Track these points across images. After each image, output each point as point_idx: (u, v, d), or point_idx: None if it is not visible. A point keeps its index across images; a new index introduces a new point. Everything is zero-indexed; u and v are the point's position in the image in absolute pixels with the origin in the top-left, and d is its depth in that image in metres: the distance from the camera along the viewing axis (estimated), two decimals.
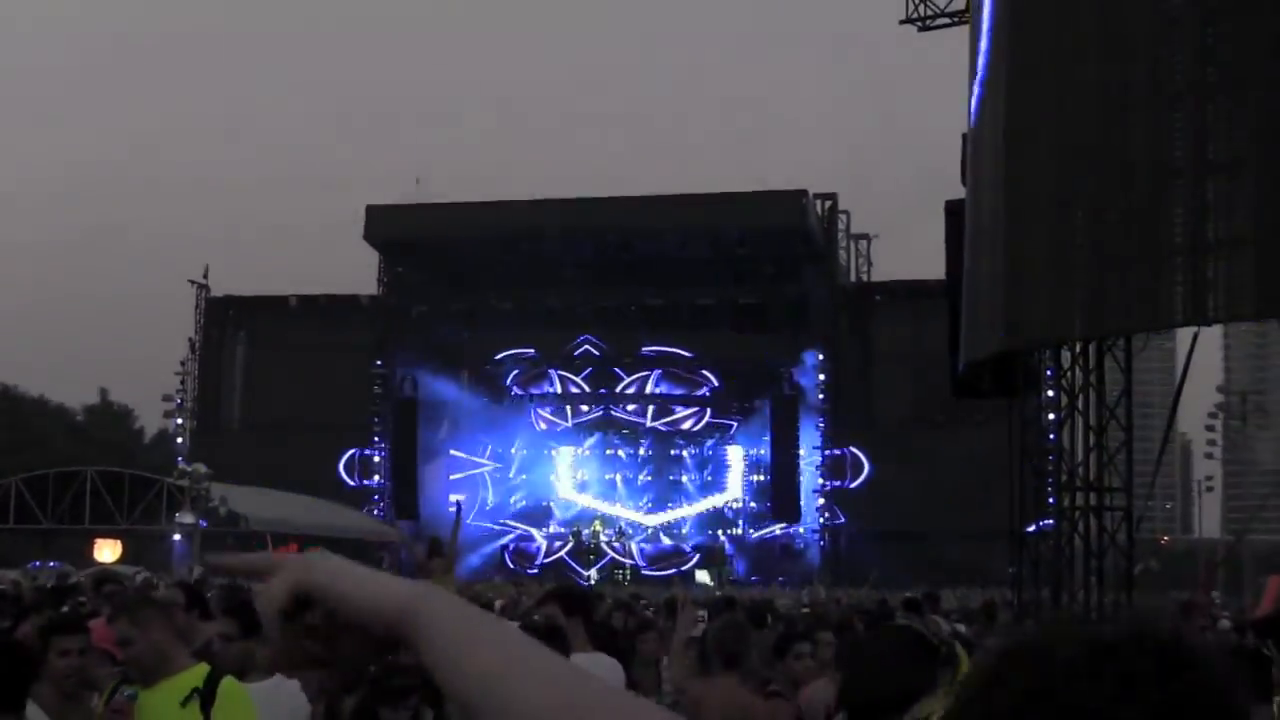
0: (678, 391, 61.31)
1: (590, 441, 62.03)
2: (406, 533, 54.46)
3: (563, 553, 58.37)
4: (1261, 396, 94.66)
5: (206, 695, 5.91)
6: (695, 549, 59.07)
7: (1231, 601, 38.20)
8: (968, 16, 19.32)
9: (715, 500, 60.44)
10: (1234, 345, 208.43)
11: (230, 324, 63.83)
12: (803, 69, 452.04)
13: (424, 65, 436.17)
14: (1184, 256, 12.92)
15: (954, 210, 19.44)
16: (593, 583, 48.47)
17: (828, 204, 60.79)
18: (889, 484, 57.54)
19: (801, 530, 58.25)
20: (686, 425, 61.81)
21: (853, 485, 58.18)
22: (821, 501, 57.87)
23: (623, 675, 7.58)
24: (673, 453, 61.75)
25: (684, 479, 61.35)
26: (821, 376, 58.59)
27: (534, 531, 60.78)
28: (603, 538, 58.21)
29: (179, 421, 61.51)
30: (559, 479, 62.05)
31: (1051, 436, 17.97)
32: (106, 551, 44.24)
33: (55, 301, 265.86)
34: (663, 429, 61.72)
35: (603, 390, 61.33)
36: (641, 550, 58.75)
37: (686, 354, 60.01)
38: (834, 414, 58.37)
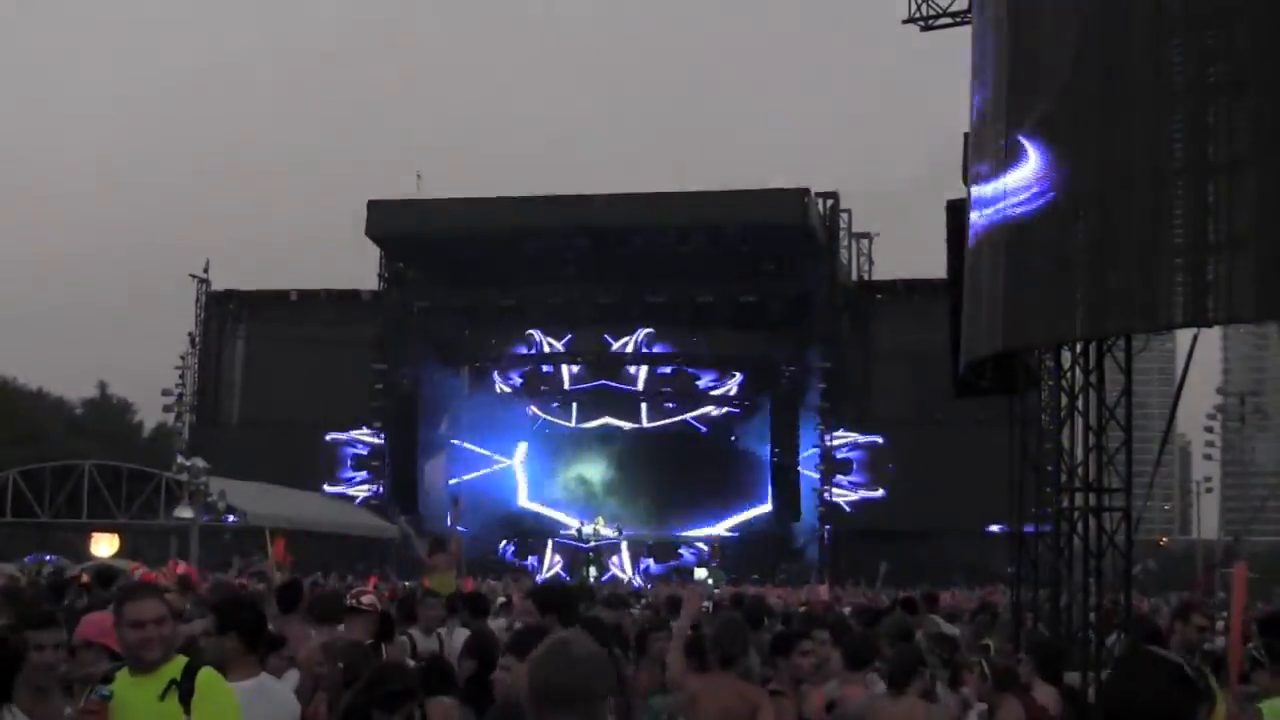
0: (681, 389, 61.30)
1: (591, 438, 62.07)
2: (407, 528, 54.55)
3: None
4: (1260, 398, 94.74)
5: (185, 687, 5.88)
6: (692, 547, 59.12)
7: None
8: (969, 16, 19.31)
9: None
10: (1233, 347, 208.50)
11: (230, 319, 63.95)
12: (805, 67, 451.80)
13: (426, 60, 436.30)
14: (1184, 257, 12.90)
15: (955, 209, 19.43)
16: (592, 579, 48.48)
17: (829, 202, 60.87)
18: (888, 482, 57.64)
19: (800, 527, 58.28)
20: (687, 423, 61.87)
21: (852, 483, 58.22)
22: (821, 500, 57.90)
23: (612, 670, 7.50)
24: (674, 450, 61.74)
25: (687, 477, 61.39)
26: (822, 374, 58.66)
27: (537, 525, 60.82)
28: (603, 532, 58.19)
29: (178, 416, 61.55)
30: (557, 474, 62.10)
31: (1052, 437, 17.97)
32: (104, 546, 44.21)
33: (55, 294, 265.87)
34: (664, 426, 61.75)
35: (604, 386, 61.31)
36: (641, 560, 58.71)
37: (688, 351, 60.03)
38: (834, 412, 58.44)
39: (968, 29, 18.18)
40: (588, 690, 3.93)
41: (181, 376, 61.27)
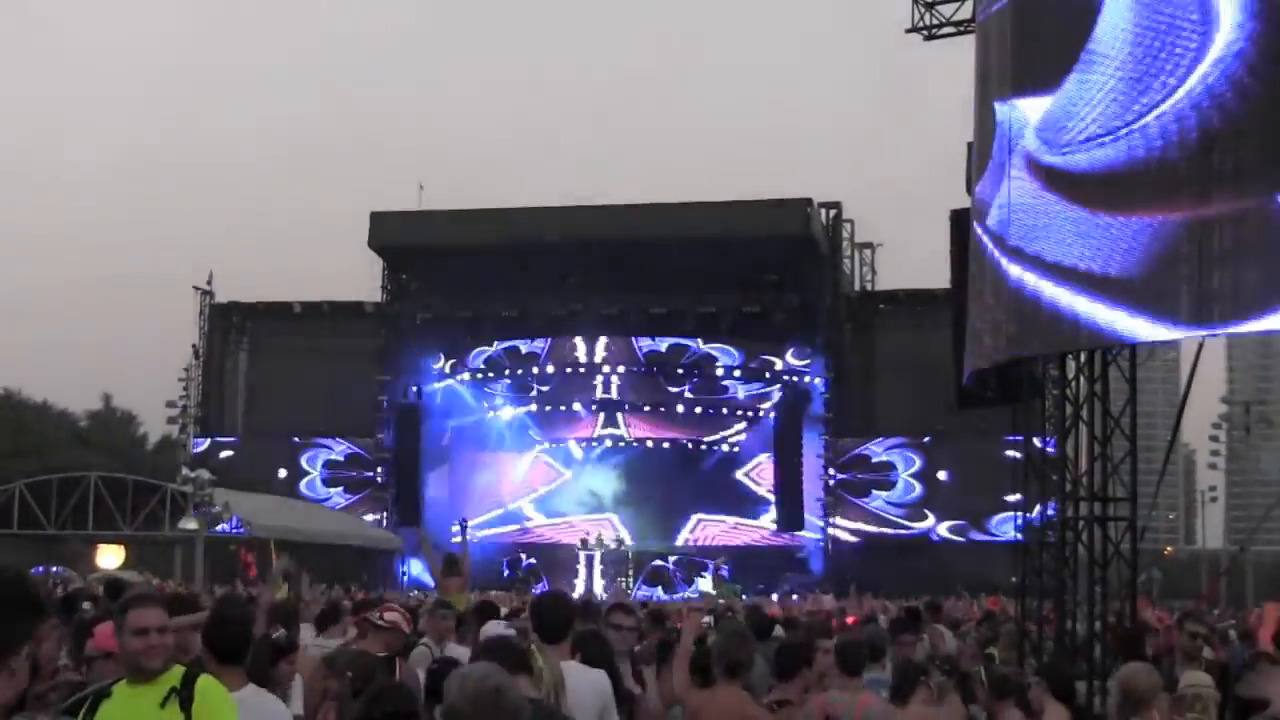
0: (684, 399, 61.16)
1: (595, 450, 61.99)
2: (408, 541, 54.47)
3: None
4: (1265, 407, 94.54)
5: (185, 694, 5.88)
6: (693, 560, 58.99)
7: (1235, 613, 38.11)
8: (972, 26, 19.30)
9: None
10: (1237, 356, 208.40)
11: (234, 330, 64.04)
12: (808, 77, 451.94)
13: (427, 71, 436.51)
14: (1188, 266, 12.90)
15: (958, 218, 19.43)
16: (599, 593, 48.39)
17: (832, 213, 60.90)
18: (892, 492, 57.62)
19: (804, 538, 58.19)
20: (690, 434, 61.78)
21: (855, 493, 58.19)
22: (824, 510, 57.85)
23: (606, 686, 7.42)
24: (679, 461, 61.67)
25: (689, 488, 61.30)
26: (825, 385, 58.65)
27: (538, 538, 60.67)
28: (608, 543, 58.08)
29: (182, 428, 61.63)
30: (560, 488, 62.01)
31: (1054, 447, 17.95)
32: (110, 557, 44.25)
33: (58, 307, 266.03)
34: (665, 436, 61.66)
35: (608, 397, 61.22)
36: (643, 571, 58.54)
37: (690, 361, 59.93)
38: (838, 422, 58.41)
39: (971, 38, 18.18)
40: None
41: (185, 388, 61.38)
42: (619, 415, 61.51)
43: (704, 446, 61.74)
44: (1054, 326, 14.82)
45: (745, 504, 60.29)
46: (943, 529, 55.63)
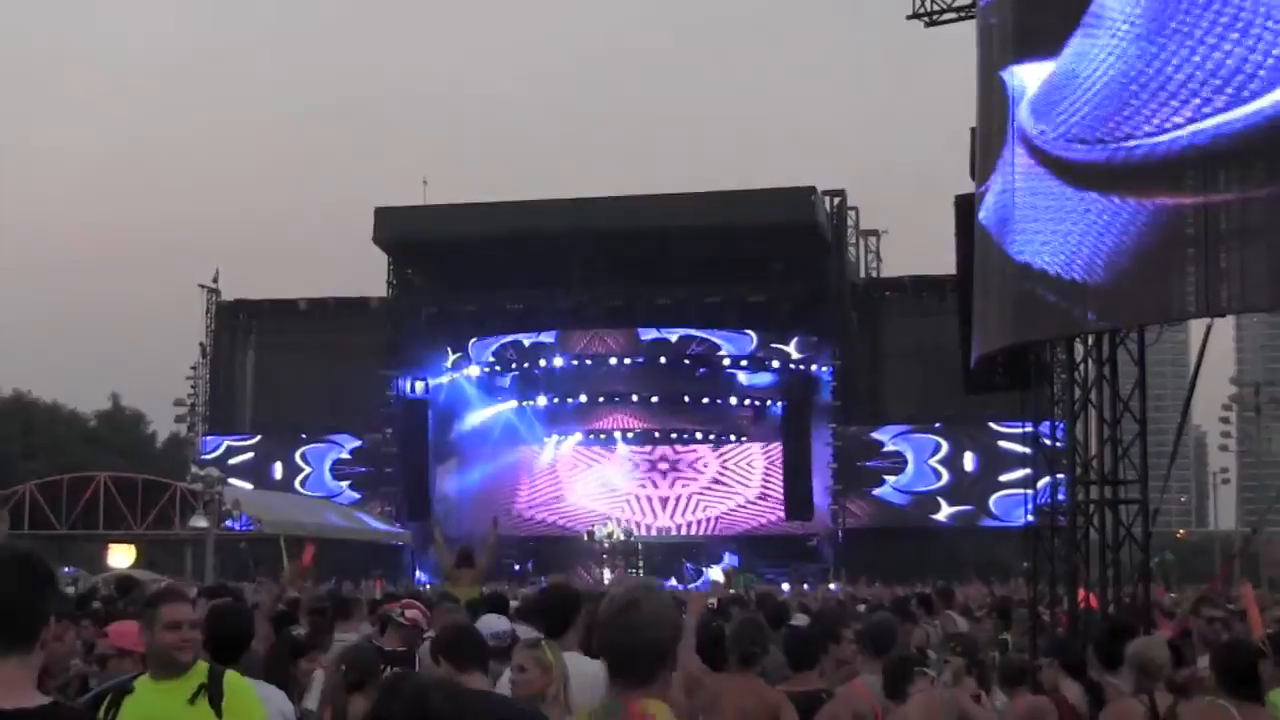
0: (690, 389, 61.10)
1: (603, 441, 62.00)
2: (417, 536, 54.50)
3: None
4: (1275, 388, 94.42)
5: (215, 691, 5.87)
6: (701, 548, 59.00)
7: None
8: (974, 11, 19.25)
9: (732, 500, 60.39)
10: (1246, 337, 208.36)
11: (241, 328, 64.05)
12: (811, 65, 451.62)
13: (431, 64, 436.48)
14: (1196, 247, 12.85)
15: (963, 204, 19.38)
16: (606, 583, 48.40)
17: (837, 200, 60.78)
18: (901, 479, 57.58)
19: (813, 526, 58.14)
20: (697, 423, 61.75)
21: (865, 482, 58.15)
22: (833, 498, 57.82)
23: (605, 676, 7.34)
24: (688, 451, 61.66)
25: (700, 476, 61.28)
26: (832, 373, 58.60)
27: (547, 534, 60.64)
28: (618, 536, 58.07)
29: (191, 426, 61.68)
30: (568, 480, 62.02)
31: (1064, 430, 17.90)
32: (120, 557, 44.25)
33: (67, 307, 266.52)
34: (672, 426, 61.64)
35: (615, 389, 61.18)
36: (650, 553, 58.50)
37: (697, 351, 59.87)
38: (845, 410, 58.35)
39: (973, 24, 18.13)
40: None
41: (193, 386, 61.44)
42: (626, 407, 61.46)
43: (712, 436, 61.69)
44: (1060, 310, 14.78)
45: (755, 494, 60.25)
46: (953, 514, 55.56)
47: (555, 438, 62.28)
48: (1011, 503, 48.62)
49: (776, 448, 59.26)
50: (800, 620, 11.42)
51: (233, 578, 35.73)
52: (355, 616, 12.13)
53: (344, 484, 60.83)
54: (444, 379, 61.30)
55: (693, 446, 61.71)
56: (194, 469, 42.48)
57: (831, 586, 40.70)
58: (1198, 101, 12.75)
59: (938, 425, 55.84)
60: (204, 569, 38.15)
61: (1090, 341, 16.42)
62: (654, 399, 60.82)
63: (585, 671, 7.10)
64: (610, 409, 61.62)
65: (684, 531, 60.18)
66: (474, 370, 61.64)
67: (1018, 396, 19.44)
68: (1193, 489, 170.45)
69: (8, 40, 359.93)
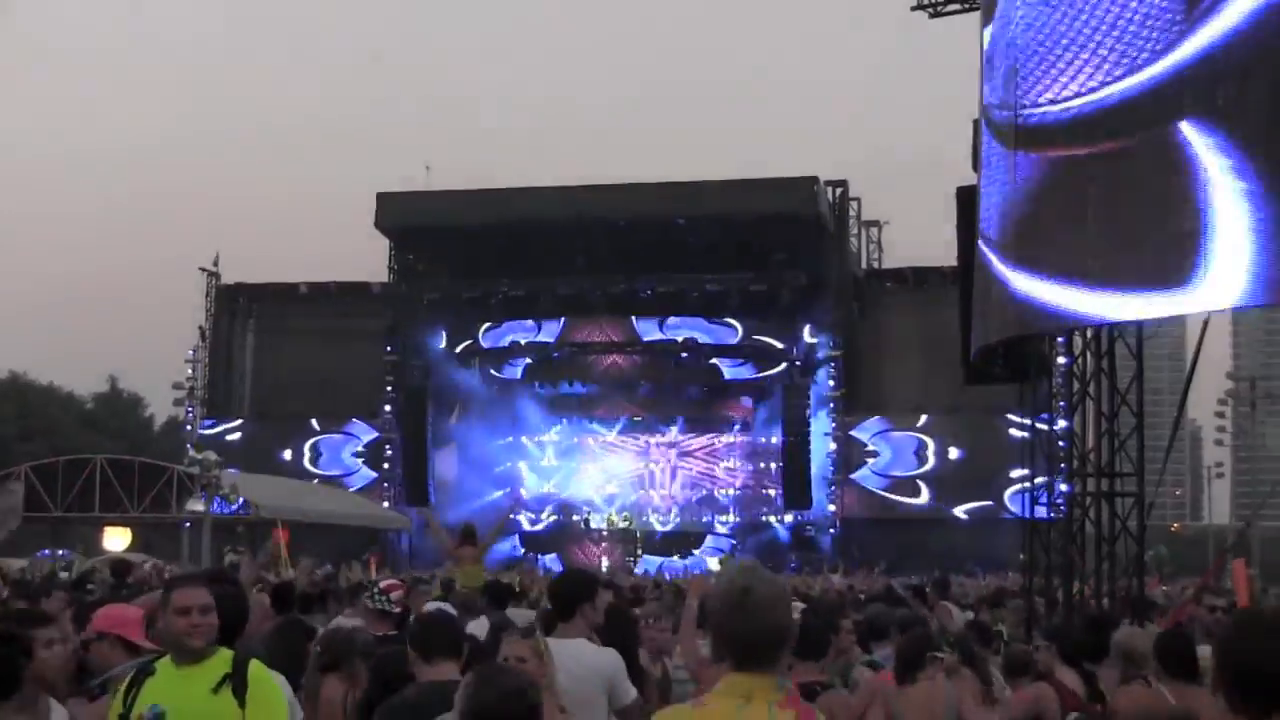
0: (690, 378, 61.09)
1: (603, 428, 61.96)
2: (415, 521, 54.54)
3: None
4: (1270, 383, 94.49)
5: (238, 681, 5.88)
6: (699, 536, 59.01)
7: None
8: (977, 2, 19.26)
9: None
10: (1243, 332, 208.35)
11: (240, 312, 64.00)
12: (814, 56, 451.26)
13: (435, 51, 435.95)
14: (1194, 241, 12.87)
15: (964, 196, 19.41)
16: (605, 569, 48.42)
17: (839, 191, 60.73)
18: (901, 470, 57.62)
19: (812, 516, 58.14)
20: (697, 412, 61.75)
21: (864, 472, 58.19)
22: (833, 488, 57.84)
23: (609, 665, 7.38)
24: (687, 440, 61.65)
25: (699, 465, 61.28)
26: (832, 363, 58.59)
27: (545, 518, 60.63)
28: (616, 523, 58.06)
29: (189, 409, 61.68)
30: (566, 465, 61.99)
31: (1062, 423, 17.95)
32: (116, 540, 44.33)
33: (65, 289, 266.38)
34: (672, 415, 61.63)
35: (616, 378, 61.19)
36: (652, 537, 58.52)
37: (699, 340, 59.81)
38: (845, 400, 58.37)
39: (976, 15, 18.15)
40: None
41: (192, 370, 61.44)
42: (627, 395, 61.47)
43: (711, 425, 61.68)
44: (1058, 303, 14.81)
45: (753, 484, 60.27)
46: (951, 506, 55.59)
47: (556, 425, 62.22)
48: (1010, 494, 48.67)
49: (776, 437, 59.22)
50: (797, 608, 11.42)
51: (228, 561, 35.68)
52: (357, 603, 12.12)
53: (342, 469, 60.80)
54: (444, 365, 61.20)
55: (692, 435, 61.67)
56: (191, 453, 42.45)
57: (834, 577, 40.72)
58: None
59: (937, 417, 55.73)
60: (200, 552, 38.16)
61: (1089, 335, 16.46)
62: (654, 388, 60.81)
63: (586, 660, 7.12)
64: (610, 397, 61.58)
65: (682, 519, 60.11)
66: (474, 357, 61.57)
67: (1017, 389, 19.50)
68: (1187, 483, 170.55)
69: None
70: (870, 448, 58.23)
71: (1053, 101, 14.49)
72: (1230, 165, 12.63)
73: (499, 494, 57.67)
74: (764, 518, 59.50)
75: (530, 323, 60.41)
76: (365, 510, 55.34)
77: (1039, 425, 18.40)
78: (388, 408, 60.75)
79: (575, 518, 59.03)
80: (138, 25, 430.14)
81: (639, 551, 56.79)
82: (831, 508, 57.77)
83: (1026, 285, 14.89)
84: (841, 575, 41.63)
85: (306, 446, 60.80)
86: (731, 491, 60.58)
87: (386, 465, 60.65)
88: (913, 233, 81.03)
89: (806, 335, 58.95)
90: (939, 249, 40.04)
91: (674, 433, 61.56)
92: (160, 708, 5.71)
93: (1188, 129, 12.91)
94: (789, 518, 58.57)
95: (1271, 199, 12.29)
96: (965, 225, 19.01)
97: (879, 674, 9.39)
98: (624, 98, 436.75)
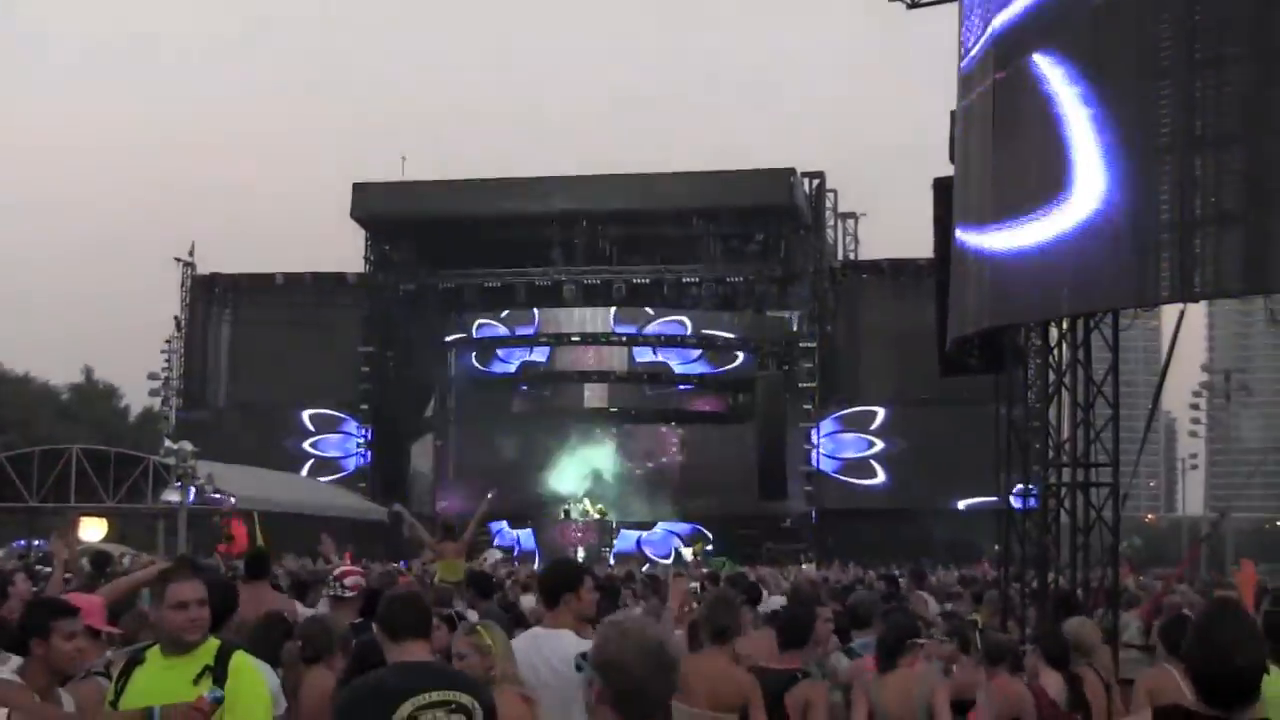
0: (667, 369, 61.09)
1: (579, 420, 61.90)
2: (391, 512, 54.43)
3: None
4: (1245, 375, 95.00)
5: (219, 672, 5.89)
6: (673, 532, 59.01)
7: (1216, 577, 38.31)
8: None
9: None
10: (1218, 324, 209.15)
11: (216, 302, 63.82)
12: (791, 47, 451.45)
13: (410, 41, 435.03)
14: (1170, 233, 12.94)
15: (942, 188, 19.44)
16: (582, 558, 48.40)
17: (815, 182, 60.85)
18: (876, 462, 57.77)
19: (788, 507, 58.21)
20: (674, 402, 61.78)
21: (839, 463, 58.31)
22: (808, 479, 57.95)
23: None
24: (663, 432, 61.69)
25: (675, 457, 61.31)
26: (809, 355, 58.69)
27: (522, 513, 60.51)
28: (591, 514, 58.01)
29: (164, 400, 61.47)
30: (544, 460, 61.93)
31: (1038, 414, 18.01)
32: (92, 530, 44.13)
33: (40, 279, 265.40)
34: (649, 406, 61.63)
35: (592, 369, 61.14)
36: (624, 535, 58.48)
37: (675, 332, 59.82)
38: (821, 392, 58.50)
39: (953, 6, 18.16)
40: None
41: (168, 360, 61.21)
42: (603, 387, 61.45)
43: (685, 416, 61.72)
44: (1035, 293, 14.88)
45: (729, 476, 60.20)
46: (926, 496, 55.67)
47: (531, 417, 62.16)
48: (984, 486, 48.78)
49: (751, 428, 59.25)
50: (778, 601, 11.47)
51: (205, 553, 35.59)
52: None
53: (318, 460, 60.65)
54: (422, 356, 61.15)
55: (667, 427, 61.71)
56: (167, 443, 42.31)
57: (804, 568, 40.79)
58: None
59: (913, 408, 55.66)
60: (176, 543, 38.04)
61: (1065, 326, 16.50)
62: (632, 379, 60.80)
63: (571, 651, 7.07)
64: (587, 389, 61.54)
65: (658, 510, 60.13)
66: (451, 348, 61.49)
67: (992, 379, 19.54)
68: (1162, 474, 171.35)
69: None
70: (844, 438, 58.33)
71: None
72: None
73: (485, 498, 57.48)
74: (739, 508, 59.47)
75: (506, 313, 60.31)
76: (341, 502, 55.25)
77: (1014, 416, 18.43)
78: (363, 399, 60.61)
79: (561, 510, 58.79)
80: (110, 7, 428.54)
81: (614, 541, 56.75)
82: (806, 498, 57.90)
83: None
84: (815, 566, 41.79)
85: (283, 437, 60.63)
86: (706, 483, 60.50)
87: (363, 456, 60.56)
88: (890, 225, 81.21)
89: (782, 327, 59.04)
90: (916, 242, 40.11)
91: (649, 424, 61.56)
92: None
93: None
94: (765, 508, 58.52)
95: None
96: (941, 217, 19.06)
97: (858, 661, 9.46)
98: (599, 88, 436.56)
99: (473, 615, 10.82)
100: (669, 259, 57.62)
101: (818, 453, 58.34)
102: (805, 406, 58.29)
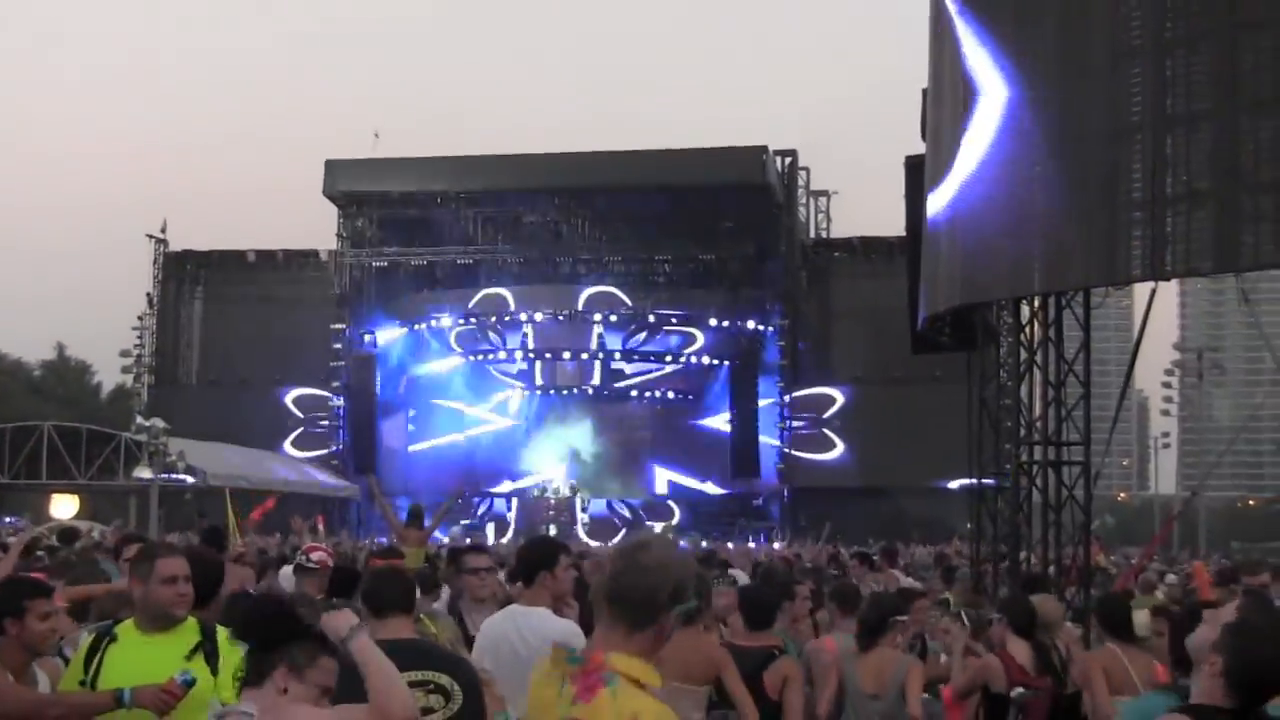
0: (640, 347, 61.00)
1: (552, 399, 61.85)
2: (362, 488, 54.31)
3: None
4: (1217, 354, 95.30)
5: (210, 648, 5.85)
6: (645, 508, 59.05)
7: (1184, 556, 38.53)
8: None
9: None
10: (1190, 303, 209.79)
11: (188, 279, 63.58)
12: (763, 24, 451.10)
13: (383, 17, 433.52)
14: (1142, 211, 12.96)
15: (914, 166, 19.47)
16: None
17: (787, 160, 60.74)
18: (848, 440, 57.81)
19: (760, 485, 58.27)
20: (647, 381, 61.73)
21: (811, 441, 58.34)
22: (780, 457, 57.99)
23: (563, 634, 7.13)
24: (635, 409, 61.69)
25: (647, 435, 61.30)
26: (781, 333, 58.69)
27: (493, 493, 60.46)
28: (563, 493, 57.97)
29: (136, 377, 61.27)
30: (515, 436, 61.90)
31: (1010, 391, 18.04)
32: (64, 506, 44.06)
33: (11, 255, 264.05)
34: (622, 385, 61.59)
35: (564, 346, 60.99)
36: (594, 512, 58.44)
37: (646, 310, 59.71)
38: (793, 370, 58.52)
39: None
40: None
41: (140, 337, 61.02)
42: (575, 365, 61.34)
43: (658, 395, 61.69)
44: (1007, 271, 14.89)
45: (702, 453, 60.23)
46: (898, 475, 55.69)
47: (506, 394, 62.12)
48: (956, 463, 48.87)
49: (724, 407, 59.27)
50: (740, 577, 11.42)
51: (178, 529, 35.52)
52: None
53: (290, 437, 60.49)
54: (392, 332, 61.03)
55: (640, 404, 61.71)
56: (138, 420, 42.18)
57: (775, 545, 40.81)
58: None
59: (885, 386, 55.57)
60: (148, 520, 37.96)
61: (1036, 304, 16.54)
62: (600, 357, 60.68)
63: (546, 630, 7.04)
64: (560, 367, 61.45)
65: (631, 488, 60.19)
66: (422, 325, 61.35)
67: (964, 357, 19.58)
68: (1134, 452, 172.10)
69: None
70: (817, 417, 58.37)
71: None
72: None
73: (451, 495, 57.59)
74: (711, 487, 59.57)
75: (479, 292, 60.09)
76: (313, 479, 55.19)
77: (986, 394, 18.46)
78: (335, 376, 60.44)
79: (534, 489, 58.70)
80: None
81: (586, 521, 56.71)
82: (779, 476, 57.97)
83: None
84: (786, 544, 41.83)
85: (254, 414, 60.39)
86: (678, 461, 60.54)
87: (335, 433, 60.44)
88: (861, 203, 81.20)
89: (754, 304, 59.01)
90: (887, 220, 40.14)
91: (621, 402, 61.53)
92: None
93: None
94: (736, 487, 58.59)
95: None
96: (913, 195, 19.08)
97: (816, 641, 9.53)
98: (572, 67, 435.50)
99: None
100: (640, 237, 57.55)
101: (790, 431, 58.34)
102: (777, 385, 58.27)
